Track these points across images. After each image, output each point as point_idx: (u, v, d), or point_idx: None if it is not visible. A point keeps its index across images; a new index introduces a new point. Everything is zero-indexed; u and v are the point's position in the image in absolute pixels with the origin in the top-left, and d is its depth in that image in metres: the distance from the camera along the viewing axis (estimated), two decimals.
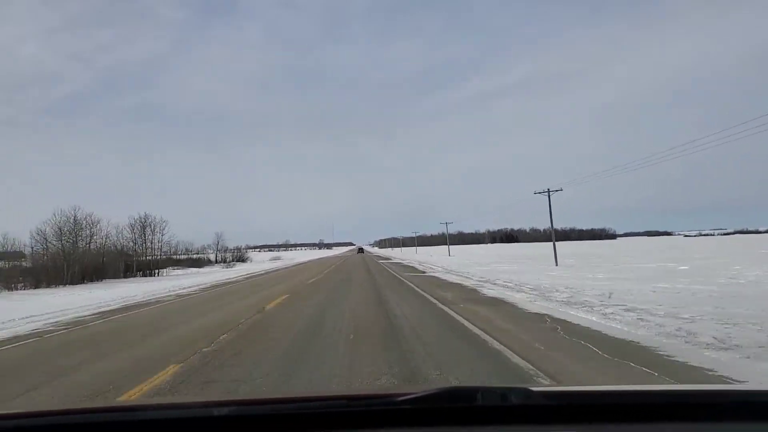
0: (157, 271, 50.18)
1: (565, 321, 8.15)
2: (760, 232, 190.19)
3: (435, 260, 45.68)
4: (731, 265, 22.78)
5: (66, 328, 9.92)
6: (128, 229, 49.68)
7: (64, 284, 34.39)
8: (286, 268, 45.81)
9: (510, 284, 16.06)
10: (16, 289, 30.56)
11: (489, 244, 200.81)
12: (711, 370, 4.76)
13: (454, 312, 9.69)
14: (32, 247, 40.35)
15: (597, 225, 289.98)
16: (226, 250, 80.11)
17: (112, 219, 74.62)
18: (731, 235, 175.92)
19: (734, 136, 27.75)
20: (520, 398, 1.33)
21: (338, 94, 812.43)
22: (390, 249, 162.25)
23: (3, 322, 10.80)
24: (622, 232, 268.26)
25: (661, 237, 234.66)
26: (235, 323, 9.15)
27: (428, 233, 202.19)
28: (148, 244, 51.86)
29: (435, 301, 11.71)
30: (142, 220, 51.62)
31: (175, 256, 64.49)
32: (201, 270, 56.38)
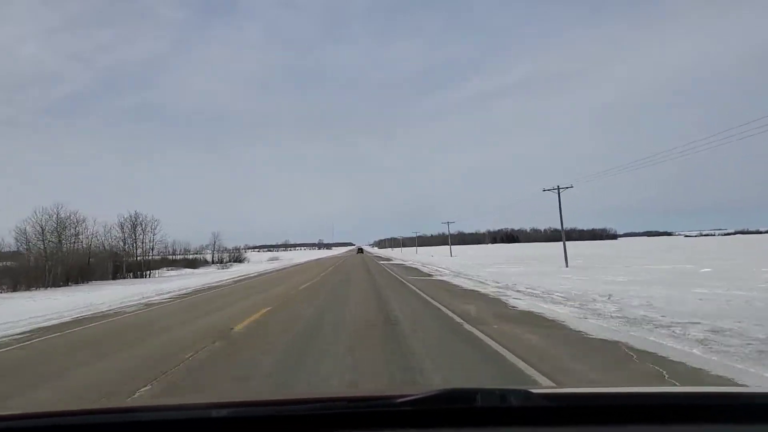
0: (148, 272, 48.13)
1: (656, 356, 5.66)
2: (760, 233, 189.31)
3: (438, 261, 43.88)
4: (752, 266, 21.06)
5: None
6: (117, 228, 47.40)
7: (45, 286, 32.28)
8: (282, 269, 43.89)
9: (536, 291, 14.06)
10: None
11: (490, 245, 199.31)
12: None
13: (492, 339, 7.04)
14: (18, 247, 38.34)
15: (598, 225, 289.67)
16: (223, 250, 78.38)
17: (107, 219, 72.51)
18: (732, 236, 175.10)
19: (735, 137, 26.57)
20: (520, 400, 1.32)
21: (338, 94, 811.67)
22: (390, 249, 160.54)
23: None
24: (622, 232, 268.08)
25: (661, 237, 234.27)
26: (175, 361, 6.36)
27: (428, 233, 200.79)
28: (139, 243, 49.50)
29: (460, 320, 9.07)
30: (133, 218, 49.20)
31: (170, 257, 62.66)
32: (195, 271, 54.44)
